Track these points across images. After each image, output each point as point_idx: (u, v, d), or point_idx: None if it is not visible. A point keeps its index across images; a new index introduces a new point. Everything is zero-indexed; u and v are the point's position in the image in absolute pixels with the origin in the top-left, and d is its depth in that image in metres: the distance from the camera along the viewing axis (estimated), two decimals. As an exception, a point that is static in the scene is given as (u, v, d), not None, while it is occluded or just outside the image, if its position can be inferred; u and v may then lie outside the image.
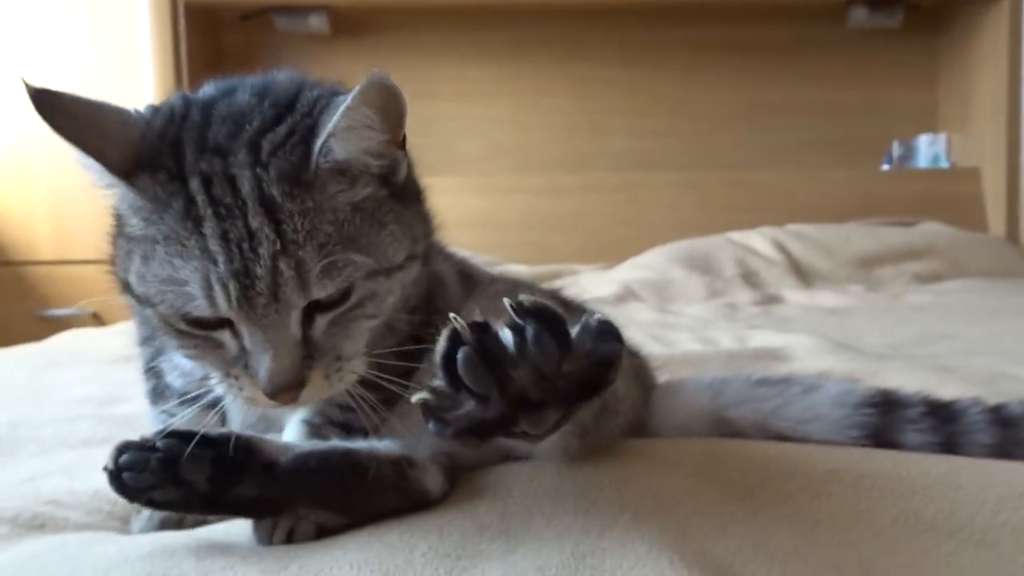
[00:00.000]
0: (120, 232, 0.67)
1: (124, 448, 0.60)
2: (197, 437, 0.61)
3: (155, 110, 0.70)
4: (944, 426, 0.75)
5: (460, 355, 0.52)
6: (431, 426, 0.54)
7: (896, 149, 3.28)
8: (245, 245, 0.60)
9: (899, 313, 2.07)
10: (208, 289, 0.60)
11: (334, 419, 0.76)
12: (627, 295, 2.43)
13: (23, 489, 0.81)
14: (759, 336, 1.67)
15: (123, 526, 0.76)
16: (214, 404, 0.81)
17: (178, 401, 0.80)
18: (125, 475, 0.60)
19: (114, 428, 1.08)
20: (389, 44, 3.25)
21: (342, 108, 0.62)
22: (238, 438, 0.62)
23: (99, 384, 1.36)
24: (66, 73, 2.81)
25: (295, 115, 0.65)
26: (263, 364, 0.61)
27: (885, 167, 3.25)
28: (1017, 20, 2.92)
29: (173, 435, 0.61)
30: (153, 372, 0.84)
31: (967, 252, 2.66)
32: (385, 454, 0.67)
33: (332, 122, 0.62)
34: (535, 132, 3.26)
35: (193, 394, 0.78)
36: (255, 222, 0.60)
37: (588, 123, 3.26)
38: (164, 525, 0.72)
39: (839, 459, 0.71)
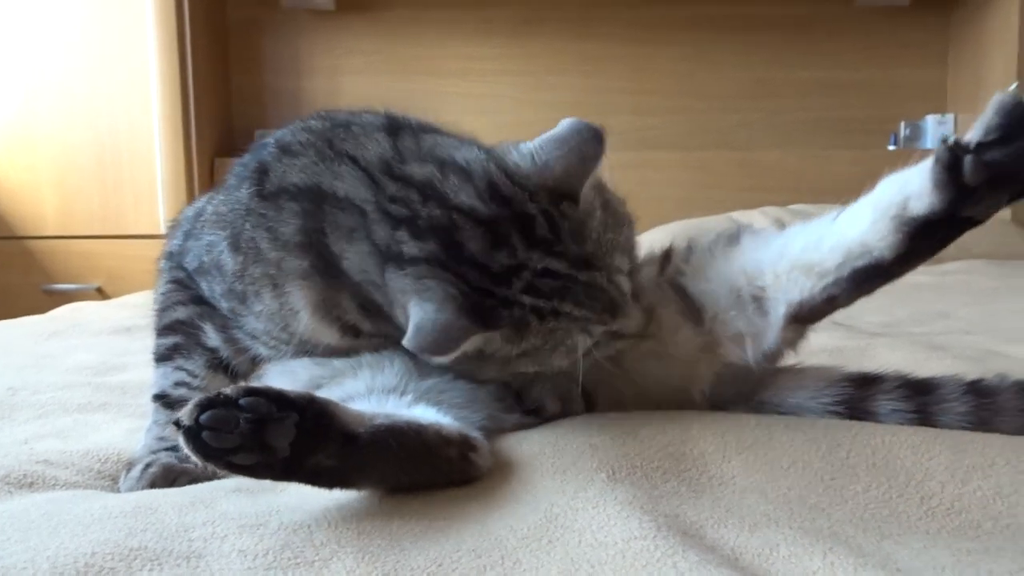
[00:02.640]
0: None
1: (206, 405, 0.55)
2: (278, 397, 0.57)
3: None
4: (918, 396, 0.75)
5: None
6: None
7: (903, 129, 3.26)
8: None
9: (899, 292, 2.06)
10: None
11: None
12: (630, 273, 2.43)
13: (17, 450, 0.83)
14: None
15: (112, 485, 0.78)
16: (227, 366, 0.84)
17: (205, 361, 0.82)
18: (206, 434, 0.55)
19: (110, 395, 1.09)
20: (394, 21, 3.24)
21: None
22: (314, 401, 0.60)
23: (99, 353, 1.38)
24: (68, 48, 2.82)
25: None
26: None
27: (891, 148, 3.23)
28: (1029, -1, 2.89)
29: (254, 392, 0.57)
30: (184, 329, 0.85)
31: (971, 233, 2.63)
32: (448, 433, 0.66)
33: None
34: (541, 110, 3.25)
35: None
36: None
37: (594, 101, 3.25)
38: (154, 484, 0.73)
39: (817, 429, 0.72)
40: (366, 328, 0.77)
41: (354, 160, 0.74)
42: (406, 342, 0.66)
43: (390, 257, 0.69)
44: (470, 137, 0.78)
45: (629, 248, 0.75)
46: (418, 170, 0.71)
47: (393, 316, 0.72)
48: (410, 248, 0.68)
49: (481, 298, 0.67)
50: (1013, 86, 0.61)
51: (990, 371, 0.82)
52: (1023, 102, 0.61)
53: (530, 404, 0.79)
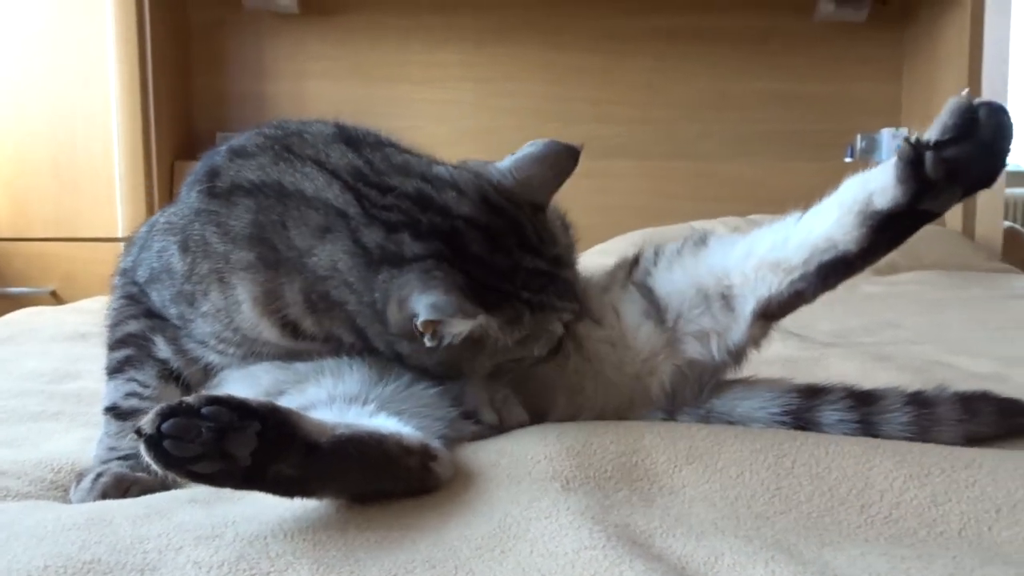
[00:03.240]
0: None
1: (168, 413, 0.56)
2: (240, 406, 0.58)
3: None
4: (862, 407, 0.78)
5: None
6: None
7: (859, 142, 3.33)
8: None
9: (853, 302, 2.12)
10: None
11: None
12: (590, 281, 2.45)
13: (-32, 460, 0.82)
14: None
15: (66, 495, 0.77)
16: (178, 377, 0.84)
17: (156, 372, 0.83)
18: (167, 443, 0.55)
19: (64, 404, 1.08)
20: (358, 25, 3.24)
21: None
22: (276, 410, 0.61)
23: (53, 360, 1.36)
24: (25, 49, 2.77)
25: None
26: None
27: (848, 159, 3.30)
28: (979, 17, 2.98)
29: (216, 402, 0.57)
30: (135, 342, 0.86)
31: (923, 244, 2.71)
32: (409, 443, 0.68)
33: None
34: (502, 117, 3.26)
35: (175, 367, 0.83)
36: None
37: (556, 110, 3.27)
38: (106, 495, 0.73)
39: (765, 438, 0.74)
40: (306, 326, 0.78)
41: (318, 164, 0.77)
42: (426, 316, 0.69)
43: (386, 259, 0.72)
44: (423, 152, 0.83)
45: (575, 248, 0.84)
46: (407, 183, 0.75)
47: (356, 322, 0.75)
48: (412, 248, 0.72)
49: (483, 290, 0.73)
50: (965, 90, 0.66)
51: (933, 381, 0.85)
52: (974, 105, 0.67)
53: (467, 409, 0.81)
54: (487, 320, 0.72)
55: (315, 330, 0.78)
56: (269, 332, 0.78)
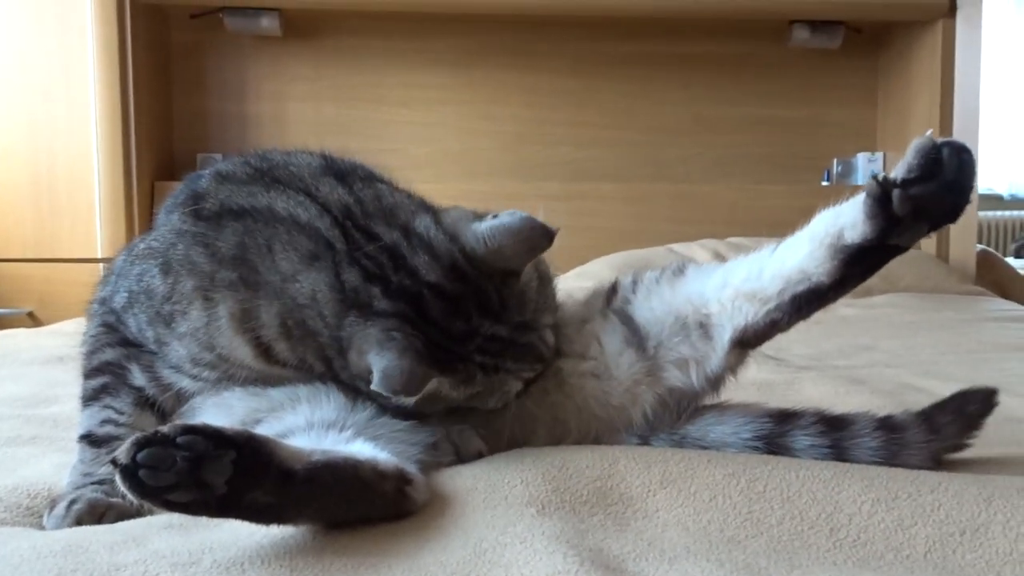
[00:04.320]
0: None
1: (143, 443, 0.56)
2: (215, 435, 0.59)
3: None
4: (832, 432, 0.79)
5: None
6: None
7: (836, 166, 3.38)
8: None
9: (828, 325, 2.14)
10: None
11: None
12: (570, 303, 2.47)
13: (-58, 486, 0.81)
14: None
15: (40, 521, 0.77)
16: (153, 404, 0.85)
17: (132, 400, 0.84)
18: (143, 472, 0.56)
19: (40, 428, 1.08)
20: (340, 48, 3.26)
21: None
22: (252, 438, 0.61)
23: (29, 384, 1.35)
24: (6, 69, 2.76)
25: None
26: None
27: (824, 183, 3.35)
28: (950, 43, 3.04)
29: (191, 431, 0.58)
30: (111, 370, 0.86)
31: (898, 268, 2.74)
32: (384, 468, 0.69)
33: None
34: (483, 140, 3.29)
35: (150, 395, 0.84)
36: None
37: (535, 133, 3.30)
38: (81, 521, 0.73)
39: (737, 463, 0.75)
40: (279, 350, 0.79)
41: (309, 195, 0.80)
42: (375, 386, 0.73)
43: (357, 304, 0.75)
44: (408, 191, 0.87)
45: (552, 304, 0.87)
46: (386, 234, 0.78)
47: (325, 352, 0.77)
48: (380, 304, 0.75)
49: (439, 351, 0.75)
50: (929, 131, 0.69)
51: (905, 405, 0.87)
52: (938, 145, 0.69)
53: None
54: (439, 380, 0.76)
55: (288, 356, 0.79)
56: (243, 351, 0.79)
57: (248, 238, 0.77)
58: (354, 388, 0.79)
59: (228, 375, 0.82)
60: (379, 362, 0.72)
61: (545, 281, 0.85)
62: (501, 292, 0.79)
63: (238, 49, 3.23)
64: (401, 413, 0.80)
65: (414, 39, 3.26)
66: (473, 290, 0.78)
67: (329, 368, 0.79)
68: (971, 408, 0.80)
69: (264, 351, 0.79)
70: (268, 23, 3.10)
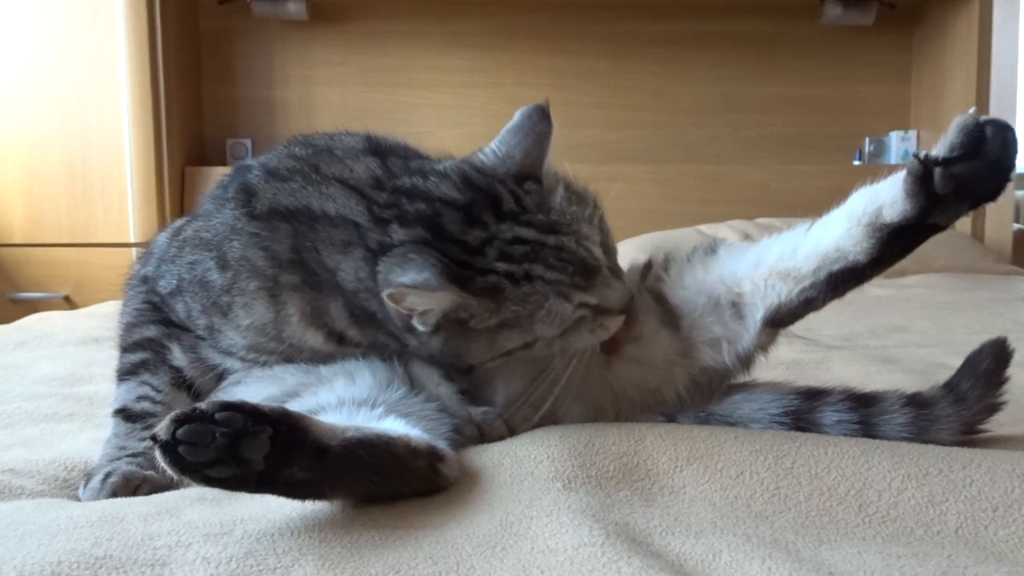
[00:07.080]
0: None
1: (183, 419, 0.57)
2: (253, 412, 0.59)
3: None
4: (861, 408, 0.79)
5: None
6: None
7: (868, 145, 3.33)
8: None
9: (860, 305, 2.12)
10: None
11: None
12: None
13: (-17, 460, 0.83)
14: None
15: (77, 494, 0.79)
16: (190, 385, 0.87)
17: (170, 379, 0.86)
18: (182, 448, 0.56)
19: (77, 406, 1.10)
20: (367, 32, 3.26)
21: None
22: (288, 415, 0.62)
23: (66, 364, 1.38)
24: (38, 55, 2.80)
25: None
26: None
27: (856, 163, 3.30)
28: (987, 19, 2.98)
29: (229, 408, 0.59)
30: (152, 346, 0.88)
31: (932, 248, 2.69)
32: (417, 445, 0.70)
33: None
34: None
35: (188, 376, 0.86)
36: None
37: (564, 115, 3.28)
38: (116, 493, 0.74)
39: (765, 439, 0.75)
40: (352, 335, 0.82)
41: (342, 181, 0.80)
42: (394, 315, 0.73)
43: (382, 251, 0.75)
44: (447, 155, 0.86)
45: (599, 224, 0.81)
46: (406, 181, 0.79)
47: (388, 327, 0.78)
48: (398, 235, 0.75)
49: (460, 268, 0.73)
50: (972, 109, 0.67)
51: (936, 384, 0.86)
52: (981, 123, 0.68)
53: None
54: (458, 294, 0.72)
55: (360, 338, 0.82)
56: (316, 340, 0.82)
57: (298, 241, 0.79)
58: (430, 359, 0.81)
59: (286, 358, 0.84)
60: (393, 279, 0.72)
61: (577, 193, 0.81)
62: (517, 195, 0.77)
63: (265, 35, 3.25)
64: (452, 366, 0.80)
65: (440, 22, 3.25)
66: (485, 196, 0.76)
67: (398, 341, 0.80)
68: (984, 365, 0.80)
69: (338, 338, 0.82)
70: (295, 8, 3.12)
